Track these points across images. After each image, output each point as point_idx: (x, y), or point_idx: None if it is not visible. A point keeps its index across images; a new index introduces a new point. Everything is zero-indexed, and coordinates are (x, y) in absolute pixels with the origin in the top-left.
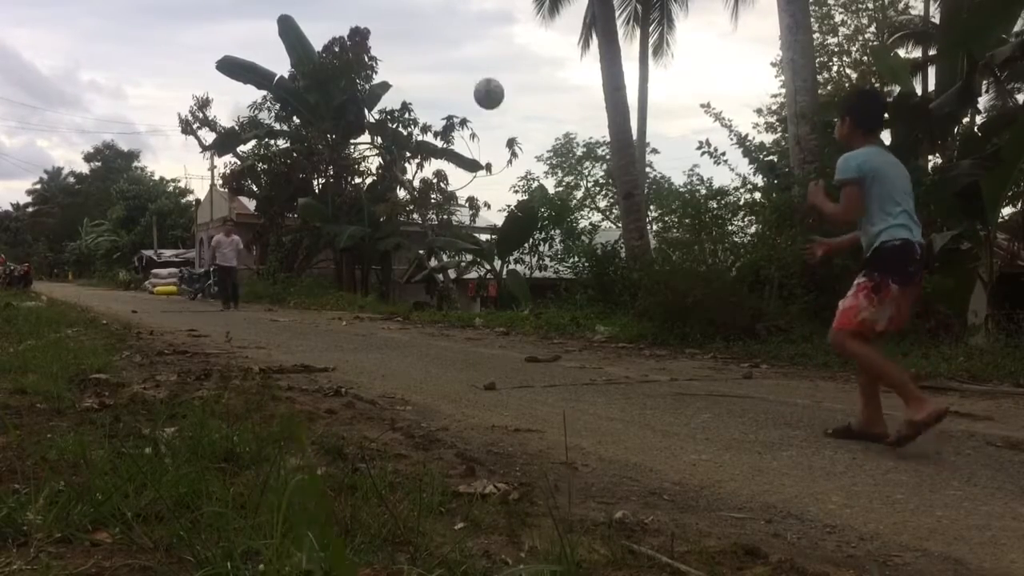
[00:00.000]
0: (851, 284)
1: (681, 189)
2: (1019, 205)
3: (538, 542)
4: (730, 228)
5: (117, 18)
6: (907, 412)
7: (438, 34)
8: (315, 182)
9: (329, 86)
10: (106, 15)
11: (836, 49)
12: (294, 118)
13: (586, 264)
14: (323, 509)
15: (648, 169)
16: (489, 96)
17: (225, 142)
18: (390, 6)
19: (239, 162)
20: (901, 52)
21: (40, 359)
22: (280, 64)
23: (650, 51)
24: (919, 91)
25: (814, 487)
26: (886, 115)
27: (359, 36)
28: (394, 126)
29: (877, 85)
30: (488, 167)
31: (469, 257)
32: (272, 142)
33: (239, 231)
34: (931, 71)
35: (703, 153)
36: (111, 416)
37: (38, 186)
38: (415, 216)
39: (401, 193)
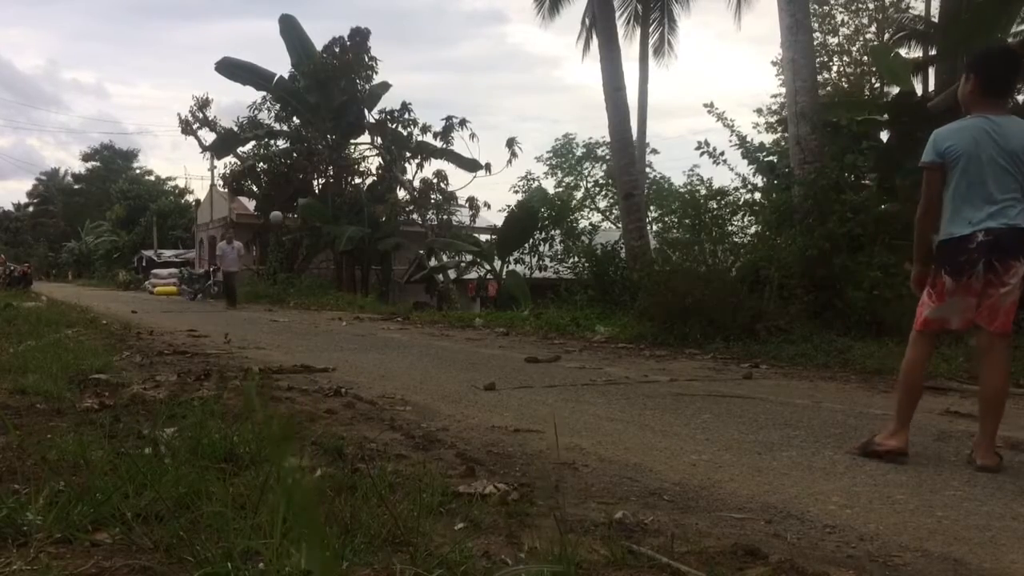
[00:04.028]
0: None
1: (681, 189)
2: None
3: (538, 542)
4: (730, 228)
5: (104, 17)
6: (884, 429)
7: (431, 34)
8: (315, 182)
9: (329, 86)
10: (94, 14)
11: (836, 49)
12: (294, 118)
13: (586, 264)
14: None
15: (648, 169)
16: None
17: (225, 143)
18: (381, 6)
19: (239, 162)
20: (902, 51)
21: (40, 359)
22: (277, 63)
23: (650, 51)
24: (919, 90)
25: (814, 487)
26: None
27: (359, 36)
28: (394, 126)
29: (877, 85)
30: (488, 167)
31: (469, 257)
32: (272, 142)
33: (238, 232)
34: (931, 71)
35: (702, 154)
36: (111, 416)
37: (38, 186)
38: (415, 216)
39: (401, 193)
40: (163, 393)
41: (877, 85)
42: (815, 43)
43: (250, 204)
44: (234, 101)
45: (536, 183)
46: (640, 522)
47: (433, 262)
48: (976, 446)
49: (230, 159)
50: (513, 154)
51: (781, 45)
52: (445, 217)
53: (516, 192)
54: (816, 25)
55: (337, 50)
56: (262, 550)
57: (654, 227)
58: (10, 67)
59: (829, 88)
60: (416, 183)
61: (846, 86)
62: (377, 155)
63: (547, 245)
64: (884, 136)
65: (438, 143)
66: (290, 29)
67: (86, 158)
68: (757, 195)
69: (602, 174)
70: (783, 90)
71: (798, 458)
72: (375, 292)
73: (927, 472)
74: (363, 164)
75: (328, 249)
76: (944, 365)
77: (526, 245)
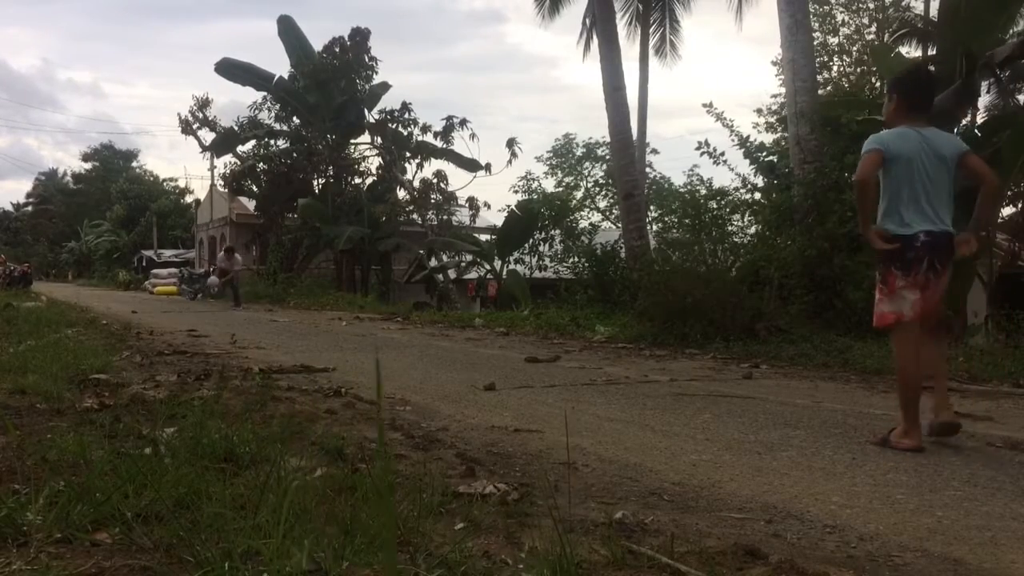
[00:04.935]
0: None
1: (681, 189)
2: (1019, 205)
3: (538, 542)
4: (730, 228)
5: (102, 17)
6: (897, 428)
7: (430, 33)
8: (315, 182)
9: (329, 86)
10: (91, 14)
11: (836, 49)
12: (294, 118)
13: (586, 264)
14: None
15: (648, 169)
16: None
17: (225, 142)
18: (379, 6)
19: (239, 162)
20: (902, 51)
21: (40, 359)
22: (276, 63)
23: (651, 51)
24: None
25: (814, 487)
26: (936, 95)
27: (359, 36)
28: (394, 126)
29: (877, 85)
30: (488, 167)
31: (469, 257)
32: (272, 142)
33: (239, 232)
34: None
35: (702, 153)
36: (111, 416)
37: (37, 186)
38: (415, 216)
39: (401, 193)
40: (163, 393)
41: (877, 85)
42: (815, 43)
43: (250, 204)
44: (231, 101)
45: (537, 183)
46: (640, 522)
47: (433, 262)
48: (935, 410)
49: (230, 159)
50: (513, 154)
51: (781, 45)
52: (445, 217)
53: (516, 192)
54: (816, 25)
55: (337, 50)
56: (262, 550)
57: (654, 227)
58: (6, 67)
59: (829, 88)
60: (416, 183)
61: (846, 86)
62: (377, 155)
63: (547, 245)
64: None
65: (438, 143)
66: (288, 30)
67: (86, 158)
68: (757, 195)
69: (602, 174)
70: (783, 90)
71: (798, 458)
72: (375, 292)
73: (927, 472)
74: (363, 164)
75: (328, 249)
76: (944, 365)
77: (526, 245)
